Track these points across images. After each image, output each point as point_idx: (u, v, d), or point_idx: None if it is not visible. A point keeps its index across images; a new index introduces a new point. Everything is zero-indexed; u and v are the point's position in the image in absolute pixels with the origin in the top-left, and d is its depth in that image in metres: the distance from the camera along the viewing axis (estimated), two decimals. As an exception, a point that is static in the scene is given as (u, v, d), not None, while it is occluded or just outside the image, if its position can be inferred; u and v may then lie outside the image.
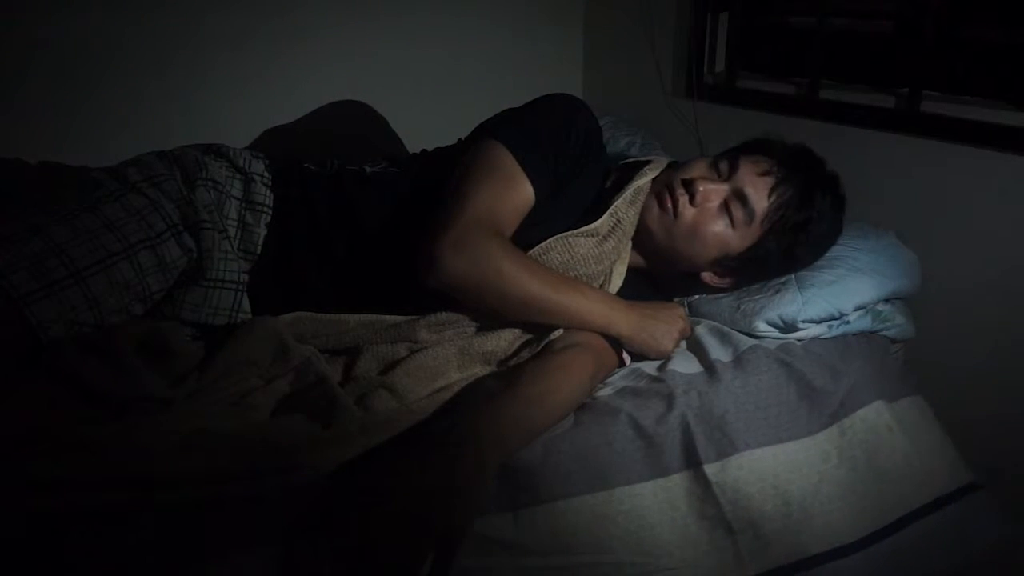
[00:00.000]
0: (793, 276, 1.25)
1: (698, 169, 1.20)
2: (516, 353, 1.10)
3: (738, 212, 1.17)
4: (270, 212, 1.15)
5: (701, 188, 1.16)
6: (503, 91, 1.52)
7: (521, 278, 1.04)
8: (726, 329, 1.23)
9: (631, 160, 1.31)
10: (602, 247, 1.16)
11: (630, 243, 1.22)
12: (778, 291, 1.23)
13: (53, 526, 0.77)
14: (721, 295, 1.28)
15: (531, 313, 1.07)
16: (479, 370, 1.08)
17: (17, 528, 0.76)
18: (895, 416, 1.16)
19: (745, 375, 1.11)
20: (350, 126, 1.87)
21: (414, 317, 1.09)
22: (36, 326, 0.93)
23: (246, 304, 1.12)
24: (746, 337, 1.20)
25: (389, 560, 0.77)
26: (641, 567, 0.95)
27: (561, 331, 1.10)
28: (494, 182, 1.08)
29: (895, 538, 1.09)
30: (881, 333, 1.28)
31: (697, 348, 1.19)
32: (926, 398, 1.22)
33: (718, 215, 1.18)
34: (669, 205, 1.18)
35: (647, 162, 1.26)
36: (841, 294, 1.21)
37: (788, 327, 1.20)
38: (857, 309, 1.24)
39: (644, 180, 1.21)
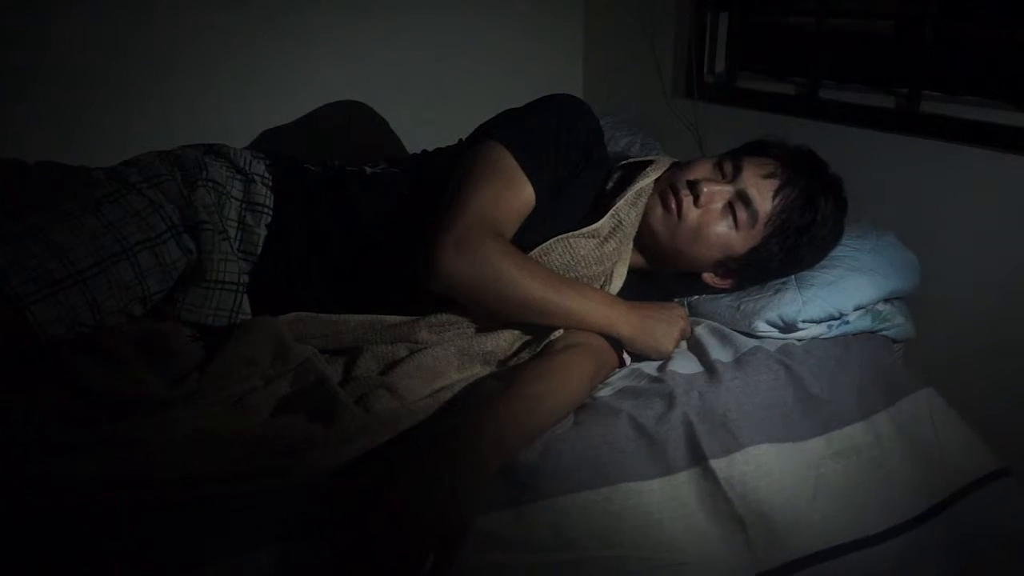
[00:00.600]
0: (793, 276, 1.25)
1: (702, 170, 1.20)
2: (516, 353, 1.10)
3: (742, 214, 1.17)
4: (270, 213, 1.15)
5: (705, 189, 1.16)
6: (503, 91, 1.52)
7: (521, 279, 1.04)
8: (726, 330, 1.23)
9: (633, 160, 1.30)
10: (603, 248, 1.16)
11: (631, 244, 1.22)
12: (778, 291, 1.22)
13: (54, 526, 0.77)
14: (721, 295, 1.28)
15: (531, 314, 1.07)
16: (479, 370, 1.08)
17: (17, 528, 0.76)
18: (896, 417, 1.16)
19: (745, 375, 1.11)
20: (350, 127, 1.88)
21: (414, 317, 1.09)
22: (36, 327, 0.93)
23: (246, 305, 1.11)
24: (747, 338, 1.20)
25: (389, 560, 0.77)
26: (648, 562, 0.94)
27: (561, 332, 1.10)
28: (494, 183, 1.08)
29: (922, 529, 1.10)
30: (881, 333, 1.28)
31: (697, 348, 1.19)
32: (937, 389, 1.22)
33: (722, 216, 1.17)
34: (673, 206, 1.18)
35: (649, 162, 1.26)
36: (841, 294, 1.21)
37: (788, 327, 1.20)
38: (857, 309, 1.24)
39: (646, 182, 1.21)
